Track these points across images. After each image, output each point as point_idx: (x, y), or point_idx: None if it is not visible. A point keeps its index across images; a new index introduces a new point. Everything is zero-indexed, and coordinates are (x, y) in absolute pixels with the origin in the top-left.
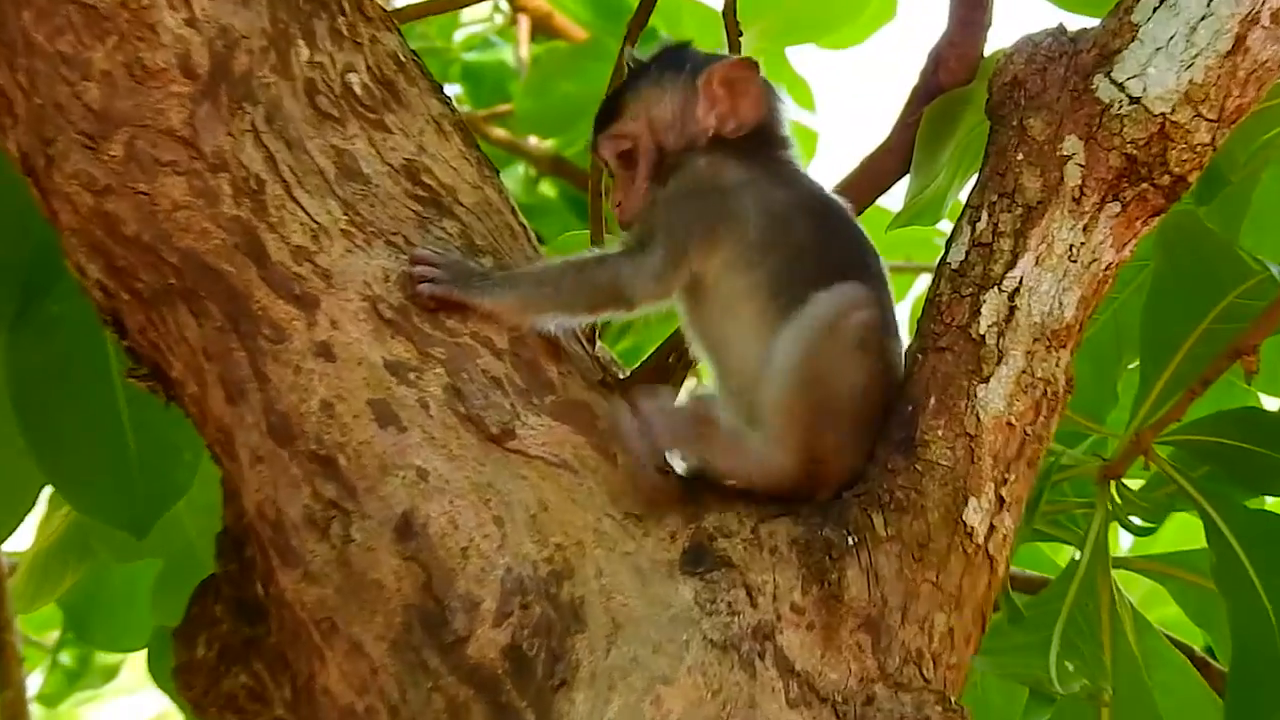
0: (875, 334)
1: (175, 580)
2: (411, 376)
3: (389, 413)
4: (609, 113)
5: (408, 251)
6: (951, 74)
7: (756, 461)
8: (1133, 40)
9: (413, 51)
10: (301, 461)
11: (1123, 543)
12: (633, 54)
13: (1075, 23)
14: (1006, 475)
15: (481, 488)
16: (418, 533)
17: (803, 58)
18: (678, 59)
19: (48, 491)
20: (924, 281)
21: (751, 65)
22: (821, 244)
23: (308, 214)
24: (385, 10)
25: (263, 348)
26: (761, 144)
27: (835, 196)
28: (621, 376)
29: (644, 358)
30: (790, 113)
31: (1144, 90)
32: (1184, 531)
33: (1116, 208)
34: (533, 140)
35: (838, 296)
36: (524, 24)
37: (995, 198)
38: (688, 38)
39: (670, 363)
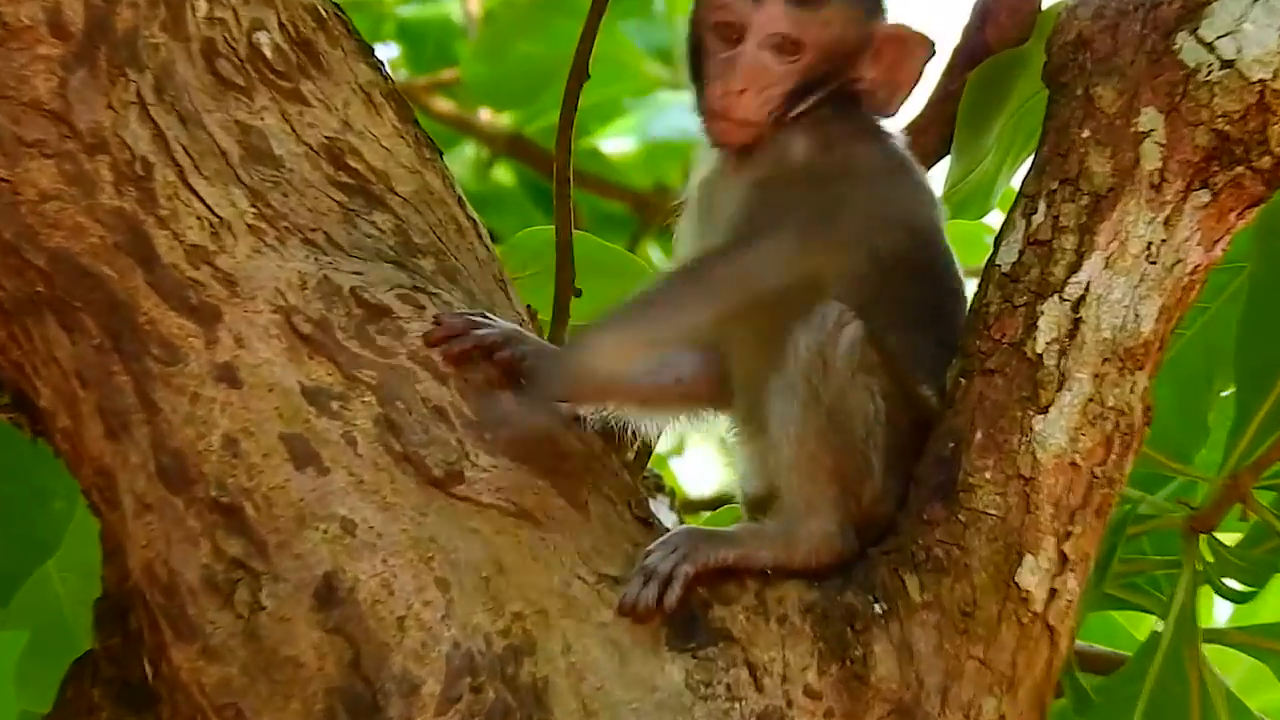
0: (870, 348)
1: (44, 657)
2: (335, 406)
3: (308, 450)
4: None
5: (328, 251)
6: (1001, 31)
7: (793, 544)
8: None
9: (336, 4)
10: (200, 511)
11: (1216, 612)
12: None
13: None
14: (1070, 527)
15: (422, 543)
16: (343, 599)
17: None
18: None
19: None
20: (969, 288)
21: (930, 47)
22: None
23: (206, 205)
24: None
25: (151, 370)
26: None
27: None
28: None
29: None
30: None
31: (1238, 51)
32: None
33: (1205, 196)
34: (485, 115)
35: (817, 322)
36: None
37: (1055, 185)
38: None
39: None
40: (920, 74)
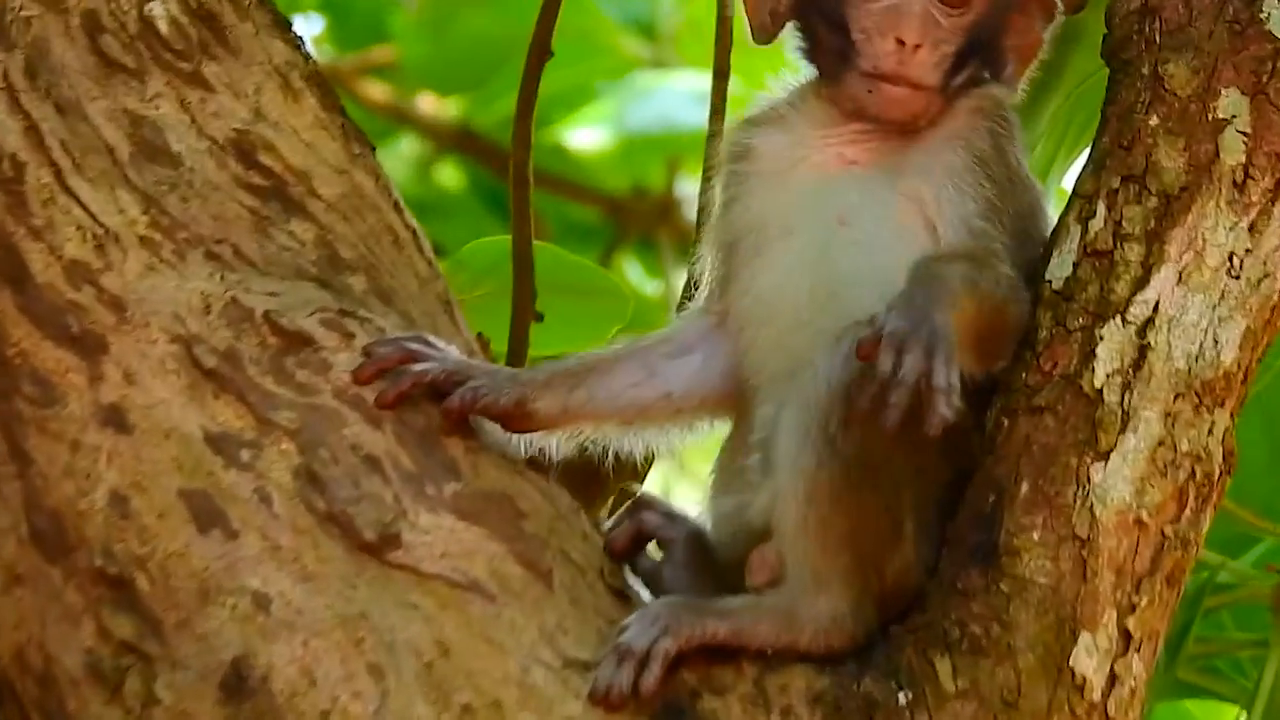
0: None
1: None
2: (245, 456)
3: (212, 509)
4: None
5: (236, 267)
6: None
7: (796, 622)
8: None
9: None
10: (82, 584)
11: None
12: None
13: None
14: (1135, 599)
15: (351, 621)
16: (255, 689)
17: None
18: None
19: None
20: None
21: (1055, 8)
22: None
23: (89, 213)
24: None
25: (22, 413)
26: None
27: None
28: None
29: None
30: None
31: None
32: None
33: None
34: (427, 102)
35: (845, 350)
36: None
37: (1117, 183)
38: None
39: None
40: (1044, 43)
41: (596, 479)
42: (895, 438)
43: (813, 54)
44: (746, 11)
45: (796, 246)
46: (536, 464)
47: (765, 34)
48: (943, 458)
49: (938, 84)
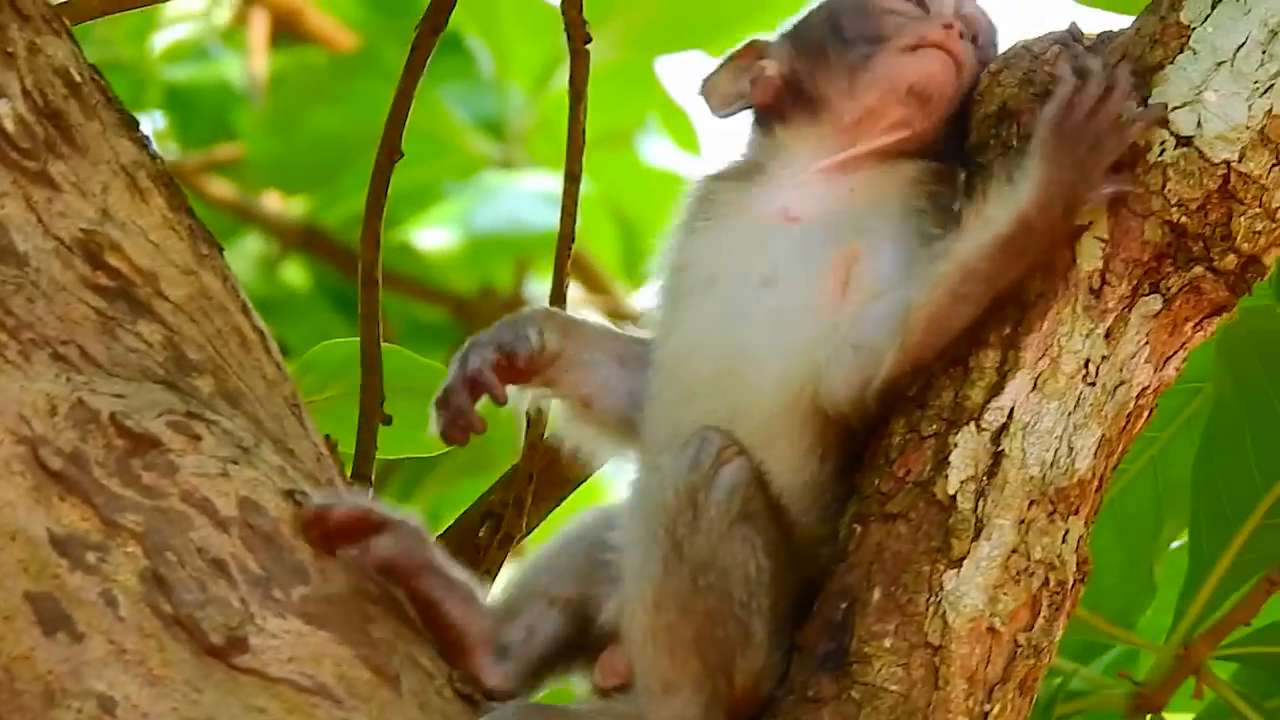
0: (756, 493)
1: None
2: (92, 558)
3: (58, 612)
4: None
5: (83, 369)
6: None
7: None
8: (1182, 50)
9: (91, 66)
10: None
11: None
12: None
13: (1095, 22)
14: (987, 706)
15: None
16: None
17: (681, 73)
18: None
19: None
20: None
21: None
22: None
23: None
24: (49, 5)
25: None
26: None
27: None
28: None
29: (443, 528)
30: None
31: (1198, 126)
32: None
33: (1156, 303)
34: (273, 201)
35: (690, 455)
36: (259, 24)
37: None
38: (506, 42)
39: (481, 538)
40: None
41: (477, 550)
42: (743, 542)
43: (790, 104)
44: (711, 90)
45: (715, 302)
46: (384, 569)
47: (728, 109)
48: (791, 566)
49: (962, 88)
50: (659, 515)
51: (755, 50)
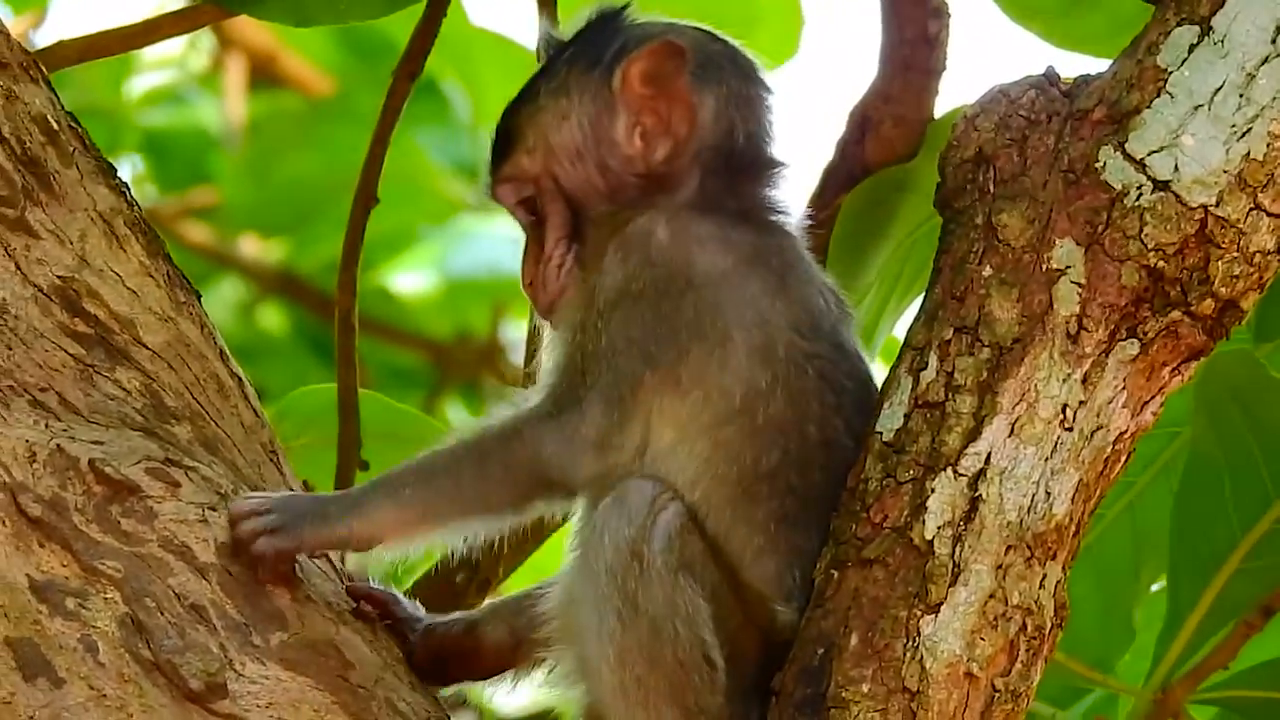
0: (692, 537)
1: None
2: (71, 604)
3: (38, 658)
4: (500, 139)
5: (61, 415)
6: (885, 145)
7: None
8: (1159, 94)
9: (68, 113)
10: None
11: None
12: (549, 31)
13: (1073, 66)
14: None
15: None
16: None
17: None
18: (598, 43)
19: None
20: None
21: (674, 49)
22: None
23: None
24: (26, 52)
25: None
26: (741, 178)
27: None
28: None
29: (421, 573)
30: (771, 113)
31: (1175, 170)
32: None
33: (1133, 348)
34: (249, 245)
35: (627, 510)
36: (236, 69)
37: (950, 334)
38: (482, 87)
39: (459, 583)
40: (686, 84)
41: (454, 595)
42: (690, 591)
43: None
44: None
45: None
46: (362, 614)
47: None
48: (734, 607)
49: (561, 267)
50: (608, 575)
51: None
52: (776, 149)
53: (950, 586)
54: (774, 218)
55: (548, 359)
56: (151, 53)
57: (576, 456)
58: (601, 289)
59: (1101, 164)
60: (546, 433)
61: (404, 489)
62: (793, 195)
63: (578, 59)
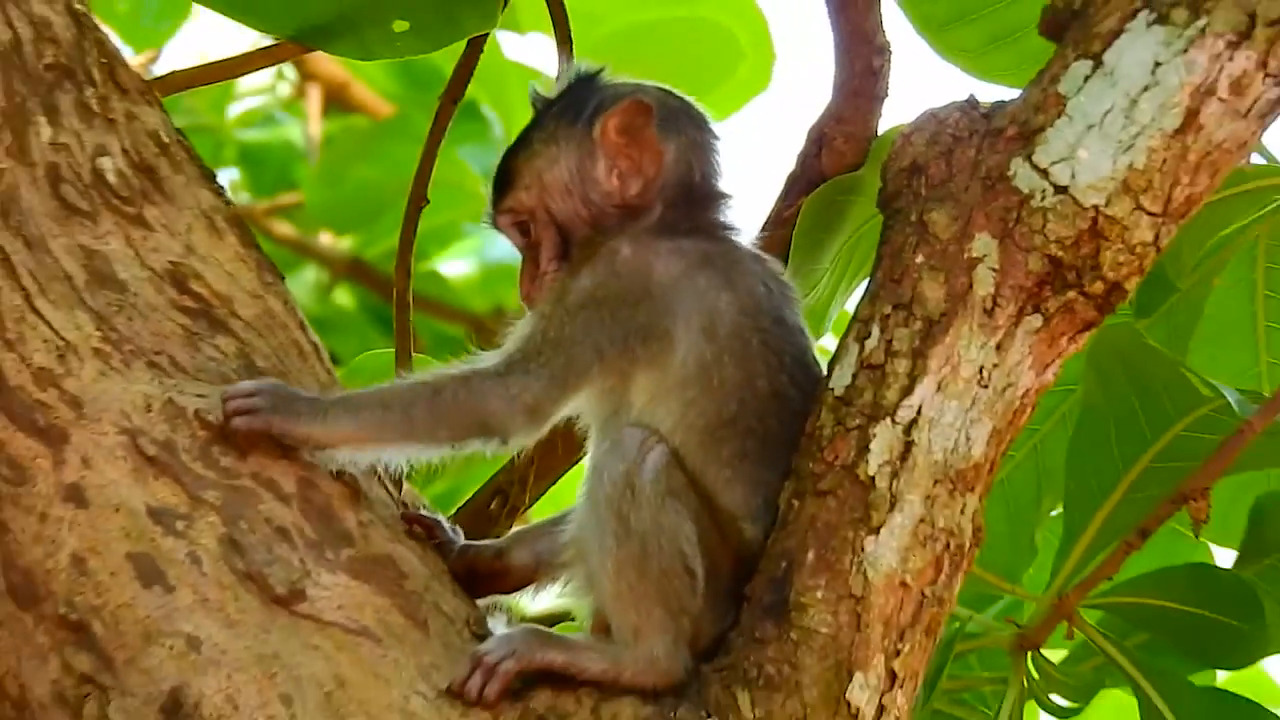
0: (676, 471)
1: None
2: (180, 526)
3: (153, 569)
4: (501, 180)
5: (172, 374)
6: (837, 156)
7: (621, 663)
8: (1060, 115)
9: (178, 130)
10: (49, 628)
11: None
12: (536, 92)
13: (990, 94)
14: (900, 645)
15: (265, 659)
16: (189, 713)
17: None
18: (578, 100)
19: None
20: None
21: (643, 108)
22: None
23: (52, 329)
24: (144, 80)
25: (0, 491)
26: (697, 206)
27: (786, 287)
28: (435, 524)
29: (462, 501)
30: (719, 155)
31: (1072, 177)
32: (1116, 713)
33: (1037, 321)
34: (325, 238)
35: (620, 449)
36: (314, 96)
37: (889, 309)
38: (513, 110)
39: (492, 510)
40: (653, 135)
41: (489, 519)
42: (675, 513)
43: None
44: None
45: None
46: (414, 535)
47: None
48: (711, 528)
49: (552, 281)
50: (606, 503)
51: None
52: (724, 183)
53: (888, 513)
54: (722, 232)
55: (513, 331)
56: (246, 82)
57: (513, 415)
58: (573, 289)
59: (1013, 172)
60: (493, 388)
61: (363, 410)
62: (739, 218)
63: (564, 114)
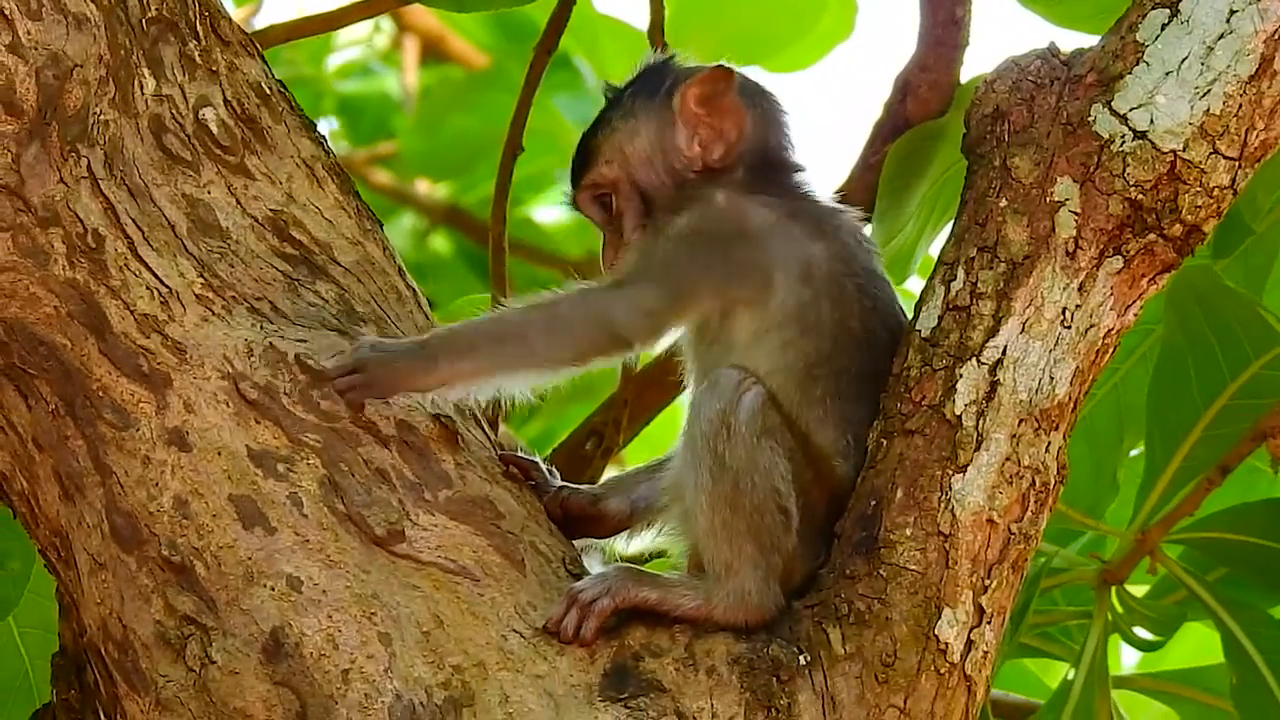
0: (771, 412)
1: (7, 708)
2: (281, 468)
3: (255, 511)
4: (581, 159)
5: (273, 319)
6: (922, 104)
7: (713, 600)
8: (1138, 63)
9: (279, 81)
10: (152, 569)
11: (1125, 659)
12: (608, 84)
13: (1070, 41)
14: (987, 581)
15: (365, 599)
16: (290, 653)
17: None
18: (653, 80)
19: None
20: None
21: (724, 74)
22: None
23: (156, 276)
24: (245, 33)
25: (104, 435)
26: (775, 171)
27: (869, 240)
28: (532, 465)
29: (557, 443)
30: (793, 129)
31: (1151, 123)
32: (1198, 646)
33: (1118, 263)
34: (423, 186)
35: (718, 390)
36: (411, 48)
37: (974, 252)
38: (605, 61)
39: (587, 450)
40: (737, 101)
41: (584, 460)
42: (769, 450)
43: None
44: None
45: None
46: (511, 476)
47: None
48: (805, 466)
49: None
50: (702, 440)
51: None
52: (797, 155)
53: (975, 451)
54: (803, 193)
55: (612, 269)
56: (345, 34)
57: (637, 319)
58: (672, 226)
59: (1093, 118)
60: (615, 298)
61: (477, 345)
62: (816, 185)
63: (640, 92)
